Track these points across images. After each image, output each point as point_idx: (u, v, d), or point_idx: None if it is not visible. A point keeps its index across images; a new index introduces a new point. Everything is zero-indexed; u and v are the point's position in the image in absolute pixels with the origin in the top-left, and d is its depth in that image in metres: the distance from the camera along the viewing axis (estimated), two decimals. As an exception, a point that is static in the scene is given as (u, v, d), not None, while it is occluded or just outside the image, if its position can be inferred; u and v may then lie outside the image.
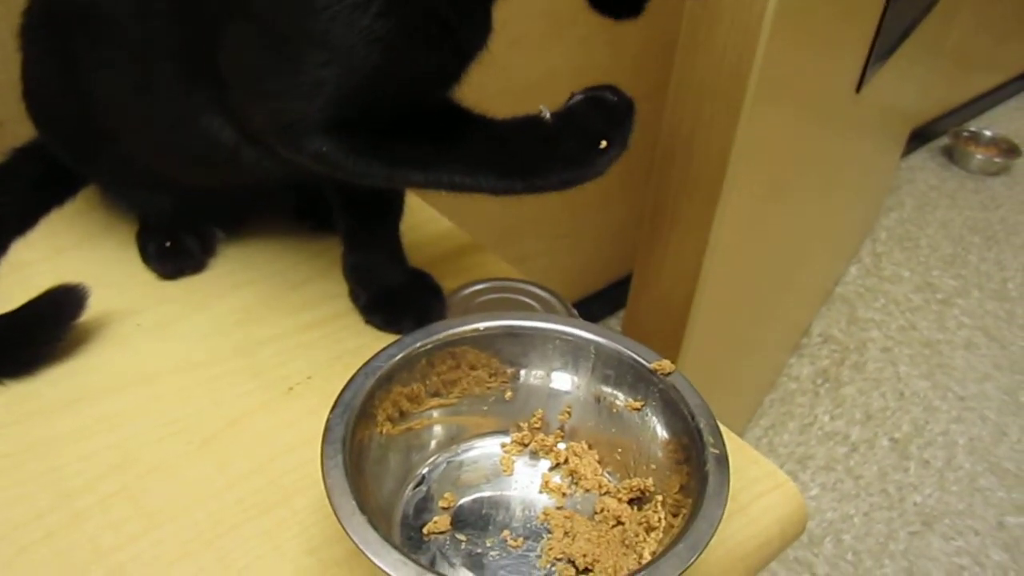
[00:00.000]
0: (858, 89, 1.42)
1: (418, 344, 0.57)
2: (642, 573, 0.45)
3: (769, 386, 1.96)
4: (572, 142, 0.58)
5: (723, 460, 0.51)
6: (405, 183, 0.65)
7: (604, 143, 0.57)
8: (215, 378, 0.66)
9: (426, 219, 0.85)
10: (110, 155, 0.71)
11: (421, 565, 0.43)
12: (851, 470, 1.79)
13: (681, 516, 0.51)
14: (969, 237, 2.62)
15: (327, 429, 0.50)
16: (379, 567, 0.43)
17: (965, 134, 3.08)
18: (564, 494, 0.58)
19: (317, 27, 0.51)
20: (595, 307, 1.97)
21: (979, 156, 2.98)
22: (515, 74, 1.34)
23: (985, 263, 2.50)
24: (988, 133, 3.09)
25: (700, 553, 0.46)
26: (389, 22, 0.51)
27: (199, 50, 0.58)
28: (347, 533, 0.45)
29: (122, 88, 0.66)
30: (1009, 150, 3.02)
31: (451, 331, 0.58)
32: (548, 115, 0.58)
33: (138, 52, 0.63)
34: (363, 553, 0.44)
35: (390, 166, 0.57)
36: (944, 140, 3.09)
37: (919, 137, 2.99)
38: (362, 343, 0.69)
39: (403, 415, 0.57)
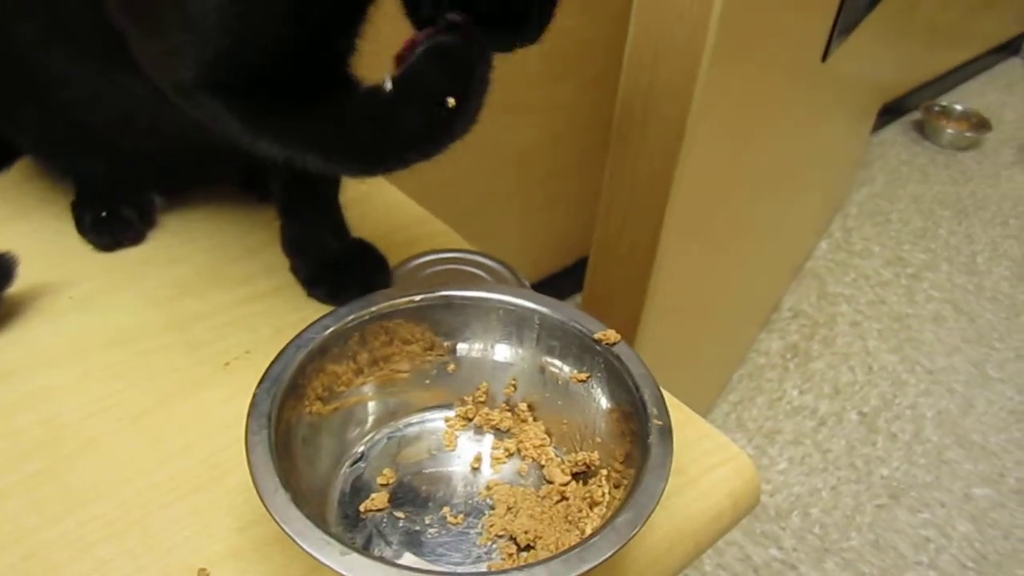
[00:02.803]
0: (824, 58, 1.41)
1: (351, 317, 0.55)
2: (579, 549, 0.43)
3: (738, 361, 1.96)
4: (411, 113, 0.51)
5: (666, 432, 0.49)
6: (271, 155, 0.55)
7: (452, 101, 0.50)
8: (149, 353, 0.63)
9: (375, 188, 0.83)
10: (39, 112, 0.69)
11: (345, 544, 0.41)
12: (819, 444, 1.80)
13: (623, 488, 0.49)
14: (939, 211, 2.63)
15: (253, 403, 0.48)
16: (301, 547, 0.41)
17: (936, 108, 3.08)
18: (508, 469, 0.56)
19: None
20: (561, 285, 1.95)
21: (950, 130, 2.98)
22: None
23: (955, 237, 2.51)
24: (959, 107, 3.10)
25: (640, 528, 0.44)
26: None
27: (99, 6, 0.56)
28: (269, 512, 0.43)
29: (43, 38, 0.63)
30: (979, 124, 3.03)
31: (386, 303, 0.56)
32: (389, 84, 0.51)
33: (53, 4, 0.61)
34: (285, 532, 0.42)
35: (255, 133, 0.53)
36: (915, 114, 3.10)
37: (890, 111, 2.99)
38: (303, 317, 0.66)
39: (332, 393, 0.54)
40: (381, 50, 0.56)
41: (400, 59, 0.52)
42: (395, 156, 0.52)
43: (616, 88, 1.07)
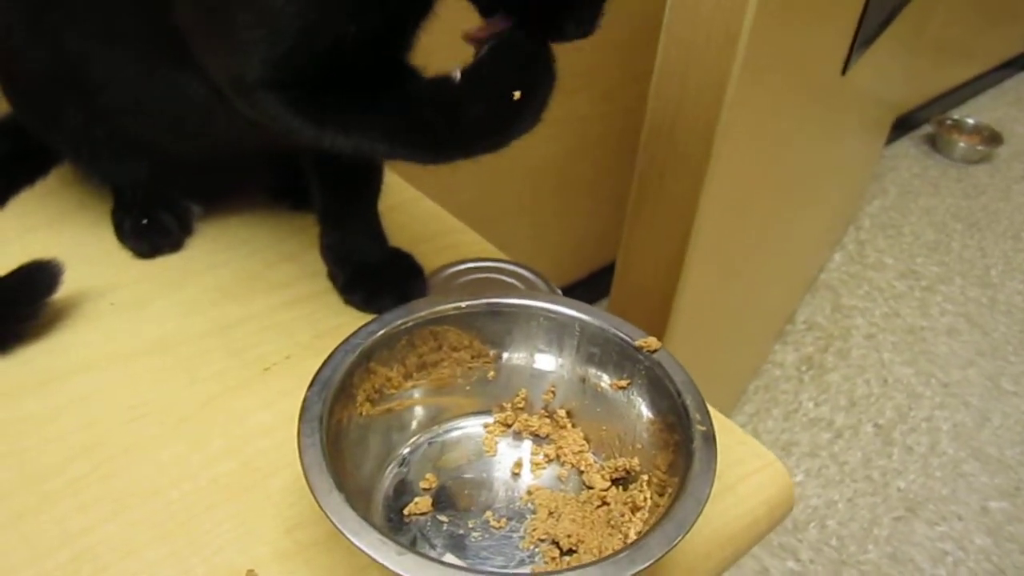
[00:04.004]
0: (844, 72, 1.41)
1: (399, 322, 0.55)
2: (628, 552, 0.44)
3: (753, 373, 1.96)
4: (478, 104, 0.53)
5: (710, 438, 0.50)
6: (336, 147, 0.56)
7: (517, 94, 0.52)
8: (190, 358, 0.64)
9: (408, 199, 0.84)
10: (82, 118, 0.69)
11: (401, 545, 0.42)
12: (835, 456, 1.80)
13: (667, 495, 0.50)
14: (952, 224, 2.63)
15: (304, 407, 0.49)
16: (357, 547, 0.42)
17: (948, 122, 3.08)
18: (548, 475, 0.57)
19: None
20: (580, 294, 1.95)
21: (962, 144, 2.99)
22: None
23: (967, 250, 2.51)
24: (971, 121, 3.10)
25: (687, 532, 0.45)
26: None
27: (159, 4, 0.57)
28: (324, 512, 0.43)
29: (90, 41, 0.64)
30: (991, 138, 3.03)
31: (432, 309, 0.57)
32: (457, 74, 0.53)
33: (104, 4, 0.61)
34: (341, 533, 0.43)
35: (319, 128, 0.55)
36: (927, 128, 3.10)
37: (903, 125, 2.99)
38: (341, 323, 0.67)
39: (383, 396, 0.55)
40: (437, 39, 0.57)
41: (470, 39, 0.53)
42: (462, 145, 0.54)
43: (627, 102, 1.08)
